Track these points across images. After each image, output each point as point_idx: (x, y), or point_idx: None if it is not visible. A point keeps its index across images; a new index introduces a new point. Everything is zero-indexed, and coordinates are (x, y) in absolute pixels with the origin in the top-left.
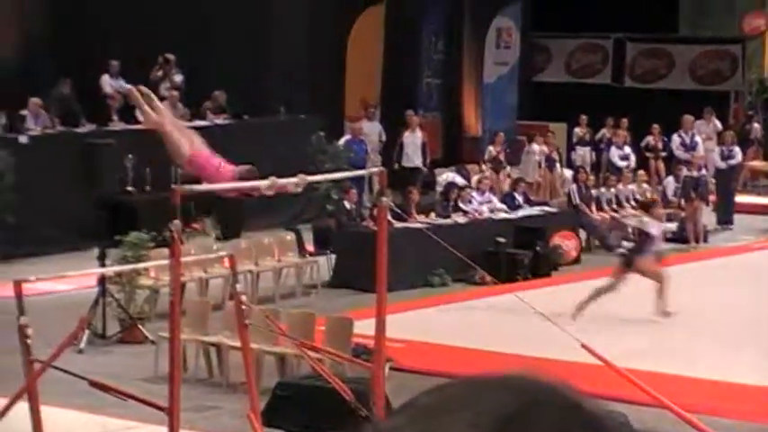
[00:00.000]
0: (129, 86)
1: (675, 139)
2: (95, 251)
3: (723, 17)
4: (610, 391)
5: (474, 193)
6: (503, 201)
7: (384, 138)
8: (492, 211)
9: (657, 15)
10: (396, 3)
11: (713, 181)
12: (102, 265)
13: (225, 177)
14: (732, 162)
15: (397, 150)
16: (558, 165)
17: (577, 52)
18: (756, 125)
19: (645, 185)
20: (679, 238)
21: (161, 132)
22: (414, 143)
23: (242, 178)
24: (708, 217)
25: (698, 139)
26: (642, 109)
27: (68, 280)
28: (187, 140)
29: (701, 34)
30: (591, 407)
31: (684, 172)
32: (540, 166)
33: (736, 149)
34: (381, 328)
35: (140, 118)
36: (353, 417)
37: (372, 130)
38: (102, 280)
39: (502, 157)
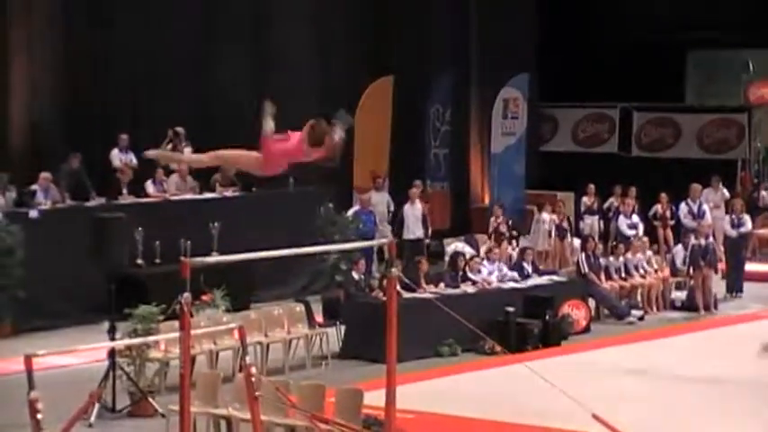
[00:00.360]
0: (153, 152)
1: (683, 207)
2: (105, 325)
3: (729, 87)
4: None
5: (485, 263)
6: (511, 270)
7: (392, 208)
8: (502, 280)
9: (664, 85)
10: (403, 74)
11: (721, 249)
12: (112, 338)
13: (298, 143)
14: (742, 230)
15: (398, 223)
16: (568, 234)
17: (584, 122)
18: (764, 192)
19: (649, 253)
20: (688, 306)
21: (218, 163)
22: (414, 215)
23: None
24: (717, 285)
25: (705, 207)
26: (650, 178)
27: (78, 354)
28: (238, 151)
29: (707, 103)
30: None
31: (692, 240)
32: (549, 235)
33: (746, 217)
34: (391, 399)
35: (177, 166)
36: None
37: (381, 201)
38: (112, 353)
39: (503, 228)
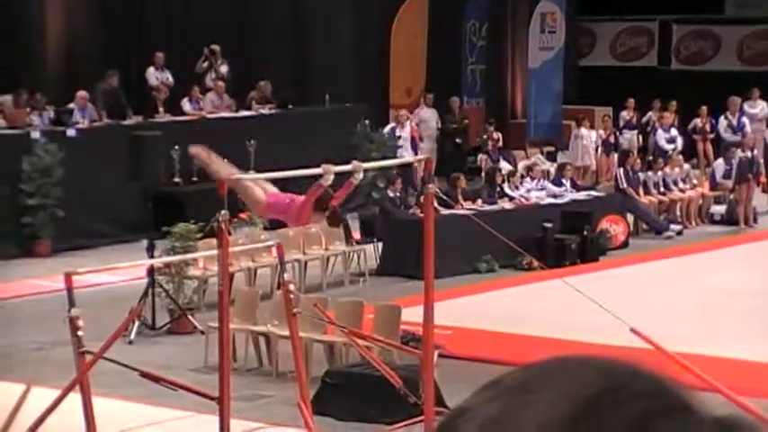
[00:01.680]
0: (194, 150)
1: (722, 121)
2: (144, 243)
3: None
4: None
5: (528, 180)
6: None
7: (440, 124)
8: (538, 195)
9: None
10: None
11: (761, 162)
12: (151, 256)
13: (302, 209)
14: None
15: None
16: (614, 149)
17: (623, 35)
18: None
19: (687, 167)
20: (728, 220)
21: (234, 186)
22: (404, 138)
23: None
24: (758, 198)
25: (745, 120)
26: (689, 91)
27: (118, 272)
28: (259, 187)
29: (747, 15)
30: (679, 392)
31: (738, 153)
32: (590, 150)
33: None
34: (429, 316)
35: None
36: (403, 404)
37: (431, 117)
38: (151, 271)
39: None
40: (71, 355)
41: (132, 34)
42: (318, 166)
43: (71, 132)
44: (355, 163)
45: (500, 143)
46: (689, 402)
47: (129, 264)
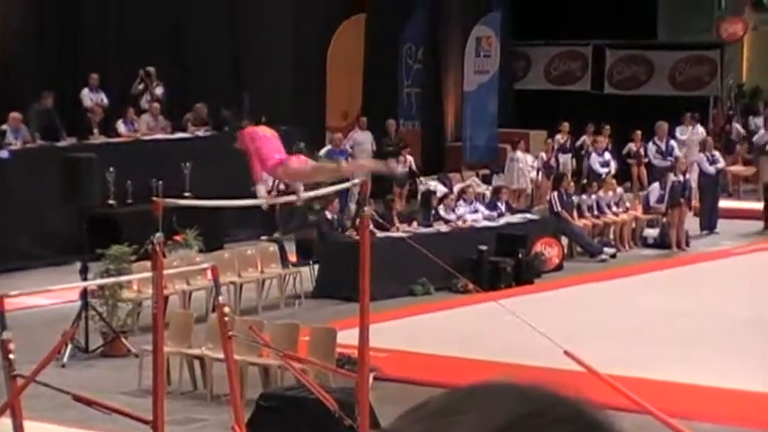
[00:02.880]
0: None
1: (651, 147)
2: (77, 265)
3: (701, 23)
4: (593, 399)
5: (460, 202)
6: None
7: (375, 147)
8: (476, 218)
9: (636, 22)
10: (375, 13)
11: (694, 186)
12: (85, 278)
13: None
14: (719, 166)
15: None
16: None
17: (557, 60)
18: (737, 125)
19: (620, 190)
20: (661, 243)
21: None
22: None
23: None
24: (689, 222)
25: (674, 143)
26: (623, 115)
27: (51, 294)
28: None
29: (679, 40)
30: (600, 418)
31: (671, 177)
32: (537, 172)
33: (719, 155)
34: (365, 338)
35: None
36: (338, 426)
37: (365, 140)
38: (85, 294)
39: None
40: (2, 379)
41: (67, 55)
42: (253, 188)
43: (3, 154)
44: (299, 193)
45: (413, 166)
46: (609, 428)
47: (62, 286)
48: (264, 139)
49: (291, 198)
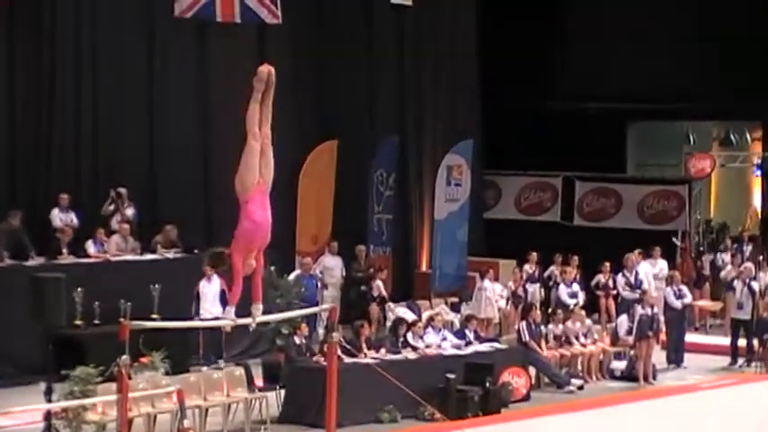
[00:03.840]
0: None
1: (620, 279)
2: (42, 386)
3: (670, 158)
4: None
5: (429, 329)
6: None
7: (345, 273)
8: (443, 346)
9: (606, 155)
10: (347, 138)
11: (662, 319)
12: (49, 400)
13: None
14: (686, 301)
15: (195, 302)
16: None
17: (527, 190)
18: (706, 260)
19: (589, 322)
20: (628, 376)
21: None
22: (211, 292)
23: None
24: (656, 356)
25: (642, 277)
26: (592, 247)
27: (14, 416)
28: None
29: (648, 174)
30: None
31: (639, 310)
32: (506, 301)
33: (686, 289)
34: None
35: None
36: None
37: (336, 265)
38: (49, 415)
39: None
40: None
41: (38, 174)
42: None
43: None
44: (254, 312)
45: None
46: None
47: (25, 407)
48: None
49: (247, 321)
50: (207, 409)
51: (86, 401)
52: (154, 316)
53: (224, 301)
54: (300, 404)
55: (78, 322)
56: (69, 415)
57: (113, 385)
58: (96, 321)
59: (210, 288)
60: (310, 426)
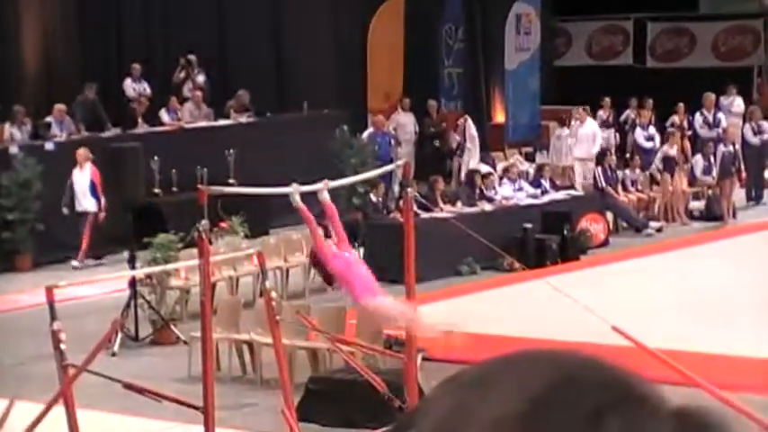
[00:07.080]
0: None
1: (698, 117)
2: (125, 254)
3: None
4: (642, 373)
5: (504, 180)
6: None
7: (417, 129)
8: (518, 196)
9: None
10: None
11: (741, 157)
12: (132, 267)
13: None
14: (765, 137)
15: (68, 194)
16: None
17: (598, 34)
18: None
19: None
20: (707, 216)
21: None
22: (81, 182)
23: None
24: (735, 193)
25: (721, 115)
26: (666, 88)
27: (99, 284)
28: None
29: (722, 11)
30: (636, 384)
31: (722, 148)
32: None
33: (766, 125)
34: None
35: None
36: (387, 408)
37: (408, 121)
38: (133, 282)
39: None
40: (54, 369)
41: (110, 46)
42: (297, 173)
43: (49, 146)
44: (325, 182)
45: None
46: (645, 394)
47: (110, 276)
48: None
49: (318, 186)
50: (288, 270)
51: (169, 267)
52: (230, 181)
53: (95, 193)
54: (379, 260)
55: (156, 190)
56: (153, 281)
57: (194, 251)
58: (174, 189)
59: (82, 177)
60: (391, 281)
